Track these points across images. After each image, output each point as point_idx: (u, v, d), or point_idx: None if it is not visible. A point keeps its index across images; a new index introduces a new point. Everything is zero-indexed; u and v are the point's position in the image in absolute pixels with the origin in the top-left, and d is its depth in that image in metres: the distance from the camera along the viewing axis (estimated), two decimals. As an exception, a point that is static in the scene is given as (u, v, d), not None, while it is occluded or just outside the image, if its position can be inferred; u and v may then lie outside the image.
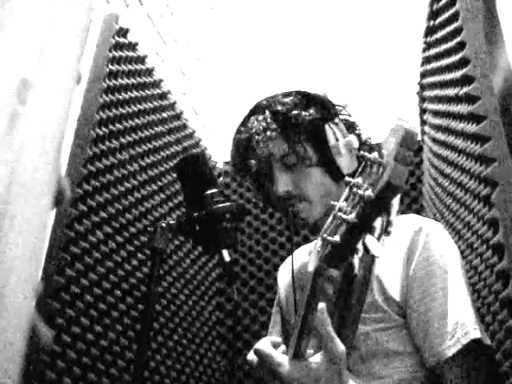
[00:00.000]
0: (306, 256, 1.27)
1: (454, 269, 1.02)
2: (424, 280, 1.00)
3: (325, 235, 0.69)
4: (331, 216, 0.70)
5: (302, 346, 0.78)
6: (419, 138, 1.87)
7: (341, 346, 0.76)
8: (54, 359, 1.15)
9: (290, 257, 1.19)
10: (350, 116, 1.18)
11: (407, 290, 1.01)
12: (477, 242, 1.12)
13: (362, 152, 0.63)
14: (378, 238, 0.64)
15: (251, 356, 0.89)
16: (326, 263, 0.72)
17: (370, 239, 0.64)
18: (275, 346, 0.85)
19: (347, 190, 0.68)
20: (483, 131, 1.08)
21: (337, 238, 0.66)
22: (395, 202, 0.63)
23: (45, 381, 1.11)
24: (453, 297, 0.98)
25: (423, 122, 1.76)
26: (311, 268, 0.75)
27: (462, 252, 1.16)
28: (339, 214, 0.65)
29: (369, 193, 0.59)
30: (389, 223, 0.64)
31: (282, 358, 0.79)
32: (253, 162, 1.17)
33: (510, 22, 1.14)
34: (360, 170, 0.65)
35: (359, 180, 0.63)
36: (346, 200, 0.67)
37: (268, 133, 1.13)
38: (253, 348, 0.86)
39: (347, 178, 0.65)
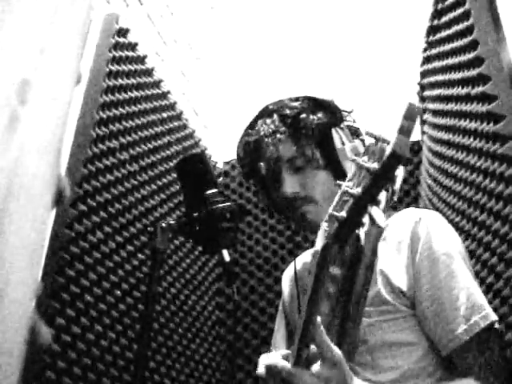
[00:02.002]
0: (310, 258, 1.28)
1: (458, 254, 1.03)
2: (430, 268, 1.01)
3: (331, 211, 0.71)
4: (337, 195, 0.72)
5: (308, 337, 0.80)
6: (418, 137, 1.87)
7: (337, 351, 0.81)
8: (54, 359, 1.15)
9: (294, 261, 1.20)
10: (354, 122, 1.20)
11: (414, 279, 1.02)
12: (495, 242, 1.12)
13: (368, 130, 0.66)
14: (383, 211, 0.66)
15: (261, 371, 0.92)
16: (332, 240, 0.74)
17: (375, 210, 0.66)
18: (285, 358, 0.89)
19: (352, 169, 0.70)
20: (503, 130, 1.08)
21: (343, 213, 0.69)
22: (399, 172, 0.66)
23: (45, 381, 1.11)
24: (461, 281, 0.99)
25: (423, 122, 1.76)
26: (319, 247, 0.76)
27: (472, 251, 1.17)
28: (346, 189, 0.68)
29: (374, 165, 0.64)
30: (394, 193, 0.67)
31: (293, 369, 0.84)
32: (261, 163, 1.18)
33: (510, 21, 1.14)
34: (364, 150, 0.68)
35: (364, 158, 0.67)
36: (351, 180, 0.70)
37: (278, 135, 1.16)
38: (260, 363, 0.91)
39: (353, 157, 0.68)
